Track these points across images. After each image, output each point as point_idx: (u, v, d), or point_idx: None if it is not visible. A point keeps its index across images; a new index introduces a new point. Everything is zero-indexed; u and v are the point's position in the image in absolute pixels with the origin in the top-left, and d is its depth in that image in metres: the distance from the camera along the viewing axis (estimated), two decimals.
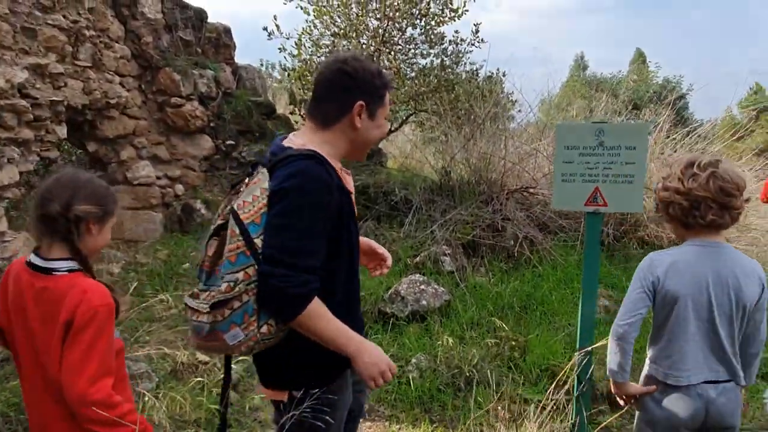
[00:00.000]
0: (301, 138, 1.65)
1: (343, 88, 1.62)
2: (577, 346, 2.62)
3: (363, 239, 1.94)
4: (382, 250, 1.99)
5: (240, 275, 1.48)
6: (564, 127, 2.72)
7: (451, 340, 3.71)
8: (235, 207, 1.53)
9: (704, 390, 1.84)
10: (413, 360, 3.57)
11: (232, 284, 1.47)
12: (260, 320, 1.50)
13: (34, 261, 1.56)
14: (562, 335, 3.81)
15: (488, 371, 3.38)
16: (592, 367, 2.60)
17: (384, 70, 1.71)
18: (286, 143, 1.65)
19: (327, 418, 1.63)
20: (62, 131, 4.97)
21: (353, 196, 1.73)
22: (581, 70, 33.65)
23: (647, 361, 2.01)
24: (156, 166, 6.38)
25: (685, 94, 18.34)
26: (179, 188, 6.51)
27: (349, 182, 1.73)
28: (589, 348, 2.54)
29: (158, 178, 6.35)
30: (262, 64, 9.48)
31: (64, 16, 4.80)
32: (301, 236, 1.48)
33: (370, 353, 1.56)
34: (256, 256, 1.48)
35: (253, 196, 1.52)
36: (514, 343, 3.71)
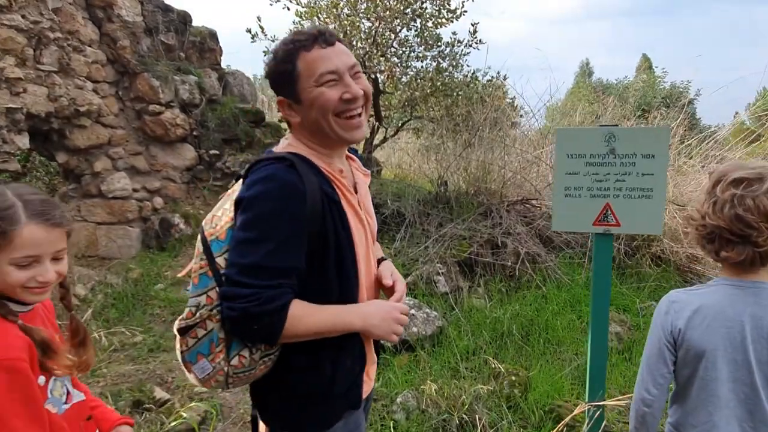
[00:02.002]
0: (285, 140, 1.46)
1: (274, 90, 1.44)
2: (587, 397, 2.17)
3: (383, 265, 1.59)
4: (388, 281, 1.54)
5: (202, 299, 1.29)
6: (566, 132, 2.27)
7: (442, 375, 3.27)
8: (203, 222, 1.38)
9: None
10: (399, 399, 3.13)
11: (193, 309, 1.30)
12: (230, 351, 1.30)
13: None
14: (568, 369, 3.35)
15: (484, 413, 2.93)
16: (603, 422, 2.14)
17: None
18: (274, 149, 1.45)
19: None
20: (23, 141, 4.59)
21: (359, 196, 1.47)
22: (587, 77, 33.25)
23: (667, 424, 1.58)
24: (134, 177, 5.98)
25: (693, 99, 17.82)
26: (158, 201, 6.10)
27: (354, 181, 1.49)
28: (600, 402, 2.08)
29: (135, 190, 5.94)
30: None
31: (23, 17, 4.43)
32: (265, 251, 1.23)
33: (375, 315, 1.37)
34: (218, 277, 1.28)
35: (223, 210, 1.35)
36: (514, 378, 3.25)
